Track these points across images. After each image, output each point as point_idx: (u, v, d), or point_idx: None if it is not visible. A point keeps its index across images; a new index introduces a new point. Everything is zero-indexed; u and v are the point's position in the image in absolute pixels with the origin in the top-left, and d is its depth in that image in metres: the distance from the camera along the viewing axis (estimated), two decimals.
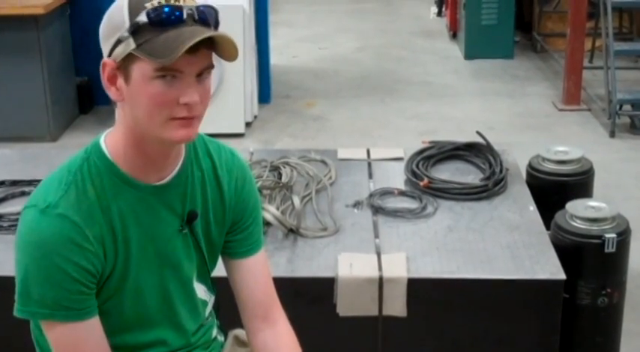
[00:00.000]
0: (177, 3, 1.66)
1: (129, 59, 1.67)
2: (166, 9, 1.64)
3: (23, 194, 3.43)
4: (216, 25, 1.71)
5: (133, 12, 1.66)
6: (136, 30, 1.64)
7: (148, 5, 1.65)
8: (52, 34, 6.08)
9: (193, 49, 1.62)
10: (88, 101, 6.54)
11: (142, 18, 1.64)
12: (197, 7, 1.68)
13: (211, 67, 1.71)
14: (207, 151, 1.92)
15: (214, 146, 1.95)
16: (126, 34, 1.65)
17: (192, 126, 1.72)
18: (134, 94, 1.68)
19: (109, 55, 1.69)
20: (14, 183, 3.53)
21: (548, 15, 8.22)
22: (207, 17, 1.69)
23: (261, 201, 2.23)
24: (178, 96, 1.67)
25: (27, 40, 5.84)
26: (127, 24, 1.65)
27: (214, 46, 1.68)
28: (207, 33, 1.64)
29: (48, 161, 3.77)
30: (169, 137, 1.71)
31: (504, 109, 6.66)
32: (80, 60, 6.38)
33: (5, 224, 3.17)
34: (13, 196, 3.44)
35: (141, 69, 1.66)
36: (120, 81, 1.70)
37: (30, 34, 5.82)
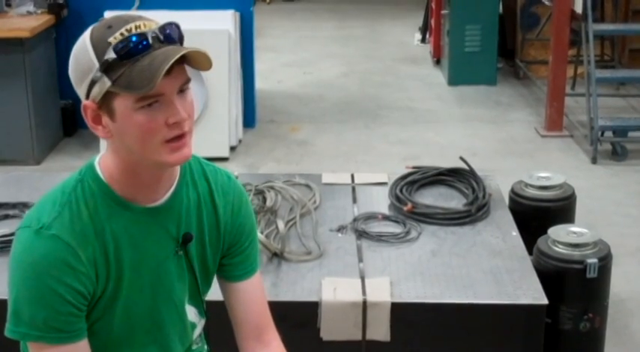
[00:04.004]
0: (139, 30, 1.65)
1: (108, 97, 1.66)
2: (133, 38, 1.63)
3: (7, 217, 3.43)
4: (182, 40, 1.71)
5: (99, 51, 1.65)
6: (107, 68, 1.64)
7: (112, 40, 1.64)
8: (38, 57, 6.08)
9: (168, 70, 1.62)
10: (72, 124, 6.52)
11: (110, 55, 1.63)
12: (160, 28, 1.68)
13: (189, 80, 1.71)
14: (204, 174, 1.92)
15: (211, 169, 1.95)
16: (98, 74, 1.65)
17: (186, 144, 1.72)
18: (122, 128, 1.68)
19: (87, 97, 1.69)
20: None
21: (530, 42, 8.29)
22: (171, 35, 1.68)
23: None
24: (166, 118, 1.67)
25: (12, 62, 5.83)
26: (96, 64, 1.65)
27: (186, 60, 1.68)
28: (178, 52, 1.63)
29: (31, 184, 3.77)
30: (166, 161, 1.72)
31: (487, 135, 6.70)
32: (65, 83, 6.29)
33: None
34: None
35: (122, 103, 1.66)
36: (105, 119, 1.70)
37: (15, 56, 5.82)
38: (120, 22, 1.66)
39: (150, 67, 1.61)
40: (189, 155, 1.74)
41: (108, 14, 5.87)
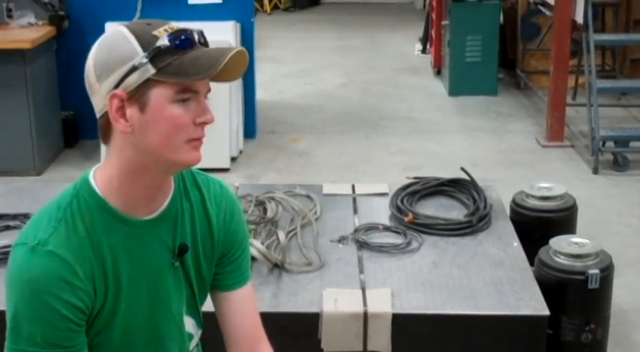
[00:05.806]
0: (180, 27, 1.71)
1: (145, 86, 1.67)
2: (181, 33, 1.68)
3: (7, 228, 3.43)
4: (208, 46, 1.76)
5: (144, 40, 1.67)
6: (154, 55, 1.66)
7: (157, 33, 1.68)
8: (39, 68, 6.09)
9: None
10: (73, 135, 6.53)
11: (163, 42, 1.67)
12: (199, 31, 1.73)
13: (210, 89, 1.75)
14: (196, 183, 1.92)
15: (202, 178, 1.95)
16: (144, 60, 1.66)
17: (201, 148, 1.76)
18: (151, 121, 1.69)
19: (116, 86, 1.69)
20: None
21: (531, 53, 8.30)
22: (206, 39, 1.75)
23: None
24: (195, 117, 1.71)
25: (14, 74, 5.85)
26: (139, 52, 1.66)
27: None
28: (231, 49, 1.68)
29: (32, 195, 3.76)
30: (184, 160, 1.74)
31: (488, 146, 6.70)
32: (66, 94, 6.38)
33: None
34: None
35: (160, 93, 1.67)
36: (131, 111, 1.69)
37: (17, 68, 5.83)
38: (158, 23, 1.71)
39: (206, 56, 1.67)
40: (201, 158, 1.77)
41: (109, 26, 5.89)
